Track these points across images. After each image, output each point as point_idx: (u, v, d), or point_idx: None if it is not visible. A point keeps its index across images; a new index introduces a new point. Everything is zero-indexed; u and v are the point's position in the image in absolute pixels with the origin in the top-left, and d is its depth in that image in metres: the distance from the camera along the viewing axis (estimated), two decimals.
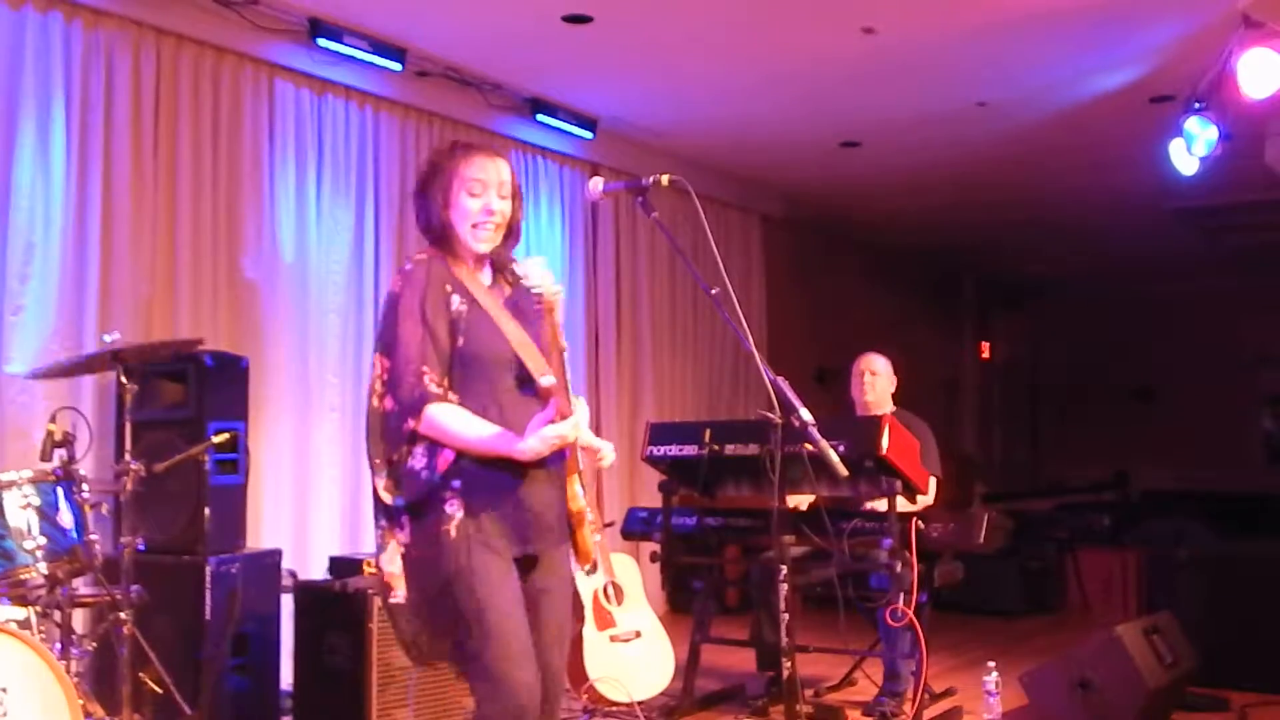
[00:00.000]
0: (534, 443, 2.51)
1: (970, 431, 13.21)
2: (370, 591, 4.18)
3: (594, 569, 4.78)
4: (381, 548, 2.63)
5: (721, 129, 7.47)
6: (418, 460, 2.56)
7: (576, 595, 4.18)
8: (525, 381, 2.62)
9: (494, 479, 2.58)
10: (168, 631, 4.04)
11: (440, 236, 2.73)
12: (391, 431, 2.57)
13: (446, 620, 2.56)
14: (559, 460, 2.64)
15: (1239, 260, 11.60)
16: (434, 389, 2.55)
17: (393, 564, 2.61)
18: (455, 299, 2.63)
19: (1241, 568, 5.54)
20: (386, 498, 2.58)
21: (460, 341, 2.61)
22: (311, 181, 5.75)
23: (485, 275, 2.77)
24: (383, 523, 2.63)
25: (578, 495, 2.68)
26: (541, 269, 2.53)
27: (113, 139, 4.94)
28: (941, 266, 12.51)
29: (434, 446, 2.56)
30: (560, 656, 2.78)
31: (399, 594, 2.60)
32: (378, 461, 2.60)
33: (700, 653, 5.04)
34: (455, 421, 2.55)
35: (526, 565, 2.67)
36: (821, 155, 8.10)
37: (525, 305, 2.71)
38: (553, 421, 2.50)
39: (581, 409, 2.63)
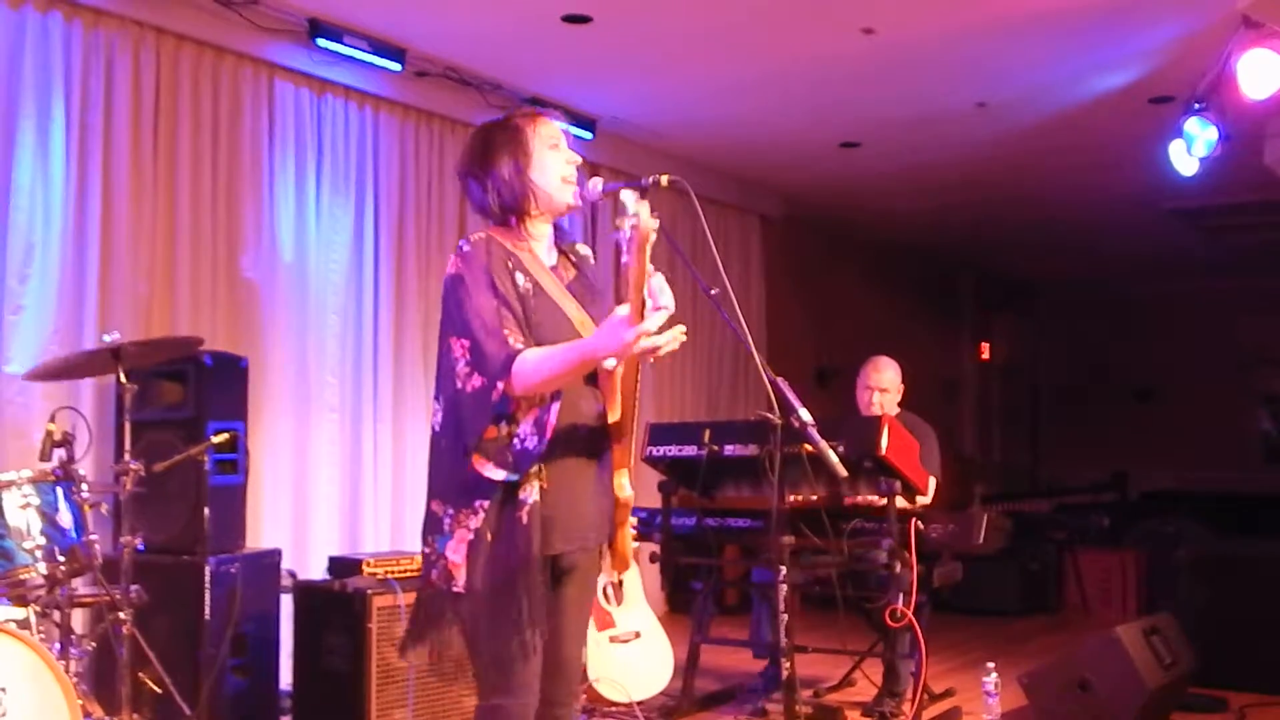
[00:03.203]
0: (615, 336, 2.35)
1: (969, 432, 13.21)
2: (370, 591, 4.19)
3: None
4: (447, 535, 2.55)
5: (721, 129, 7.47)
6: (524, 435, 2.50)
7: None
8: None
9: (574, 463, 2.57)
10: (167, 631, 4.04)
11: (513, 207, 2.65)
12: (484, 407, 2.49)
13: (503, 612, 2.51)
14: (609, 454, 2.63)
15: (1238, 261, 11.60)
16: (519, 346, 2.48)
17: (457, 552, 2.53)
18: (520, 277, 2.58)
19: (1240, 568, 5.54)
20: (495, 474, 2.50)
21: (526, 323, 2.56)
22: (311, 181, 5.75)
23: (548, 255, 2.73)
24: (450, 510, 2.56)
25: (624, 486, 2.64)
26: (636, 199, 2.39)
27: (112, 139, 4.94)
28: (941, 267, 12.51)
29: (542, 417, 2.49)
30: (580, 652, 2.76)
31: (459, 582, 2.53)
32: (472, 440, 2.51)
33: (699, 653, 5.04)
34: (538, 358, 2.46)
35: (557, 560, 2.63)
36: (821, 155, 8.10)
37: (586, 288, 2.71)
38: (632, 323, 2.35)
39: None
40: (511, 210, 2.66)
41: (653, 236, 2.34)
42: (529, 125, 2.70)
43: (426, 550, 2.61)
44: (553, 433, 2.50)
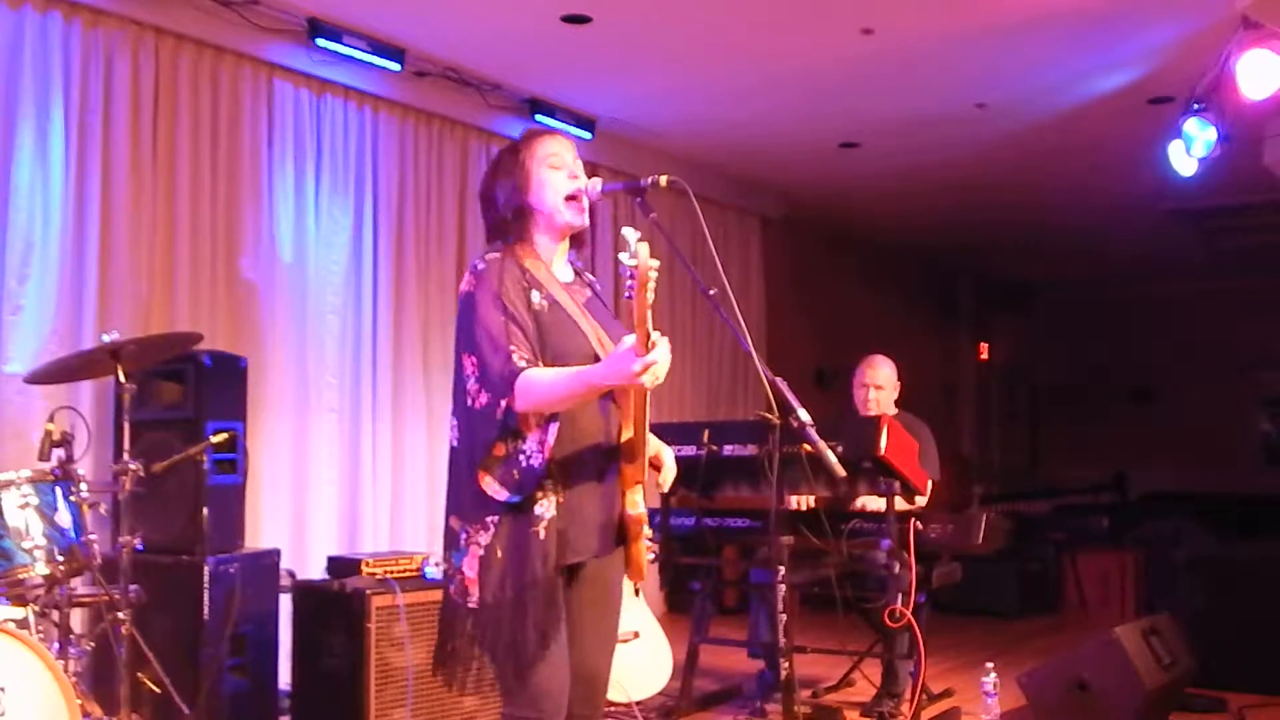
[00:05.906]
0: (621, 366, 2.41)
1: (969, 433, 13.21)
2: (369, 591, 4.18)
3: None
4: (463, 551, 2.56)
5: (720, 130, 7.47)
6: (529, 451, 2.51)
7: None
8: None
9: (581, 475, 2.58)
10: (166, 631, 4.03)
11: (517, 227, 2.68)
12: (490, 423, 2.51)
13: (516, 625, 2.51)
14: (616, 471, 2.64)
15: (1237, 262, 11.60)
16: (523, 364, 2.49)
17: (471, 568, 2.54)
18: (535, 294, 2.60)
19: (1240, 569, 5.55)
20: (499, 494, 2.51)
21: (541, 340, 2.58)
22: (310, 181, 5.75)
23: (564, 272, 2.74)
24: (465, 526, 2.57)
25: (638, 503, 2.65)
26: (637, 239, 2.38)
27: (112, 139, 4.94)
28: (940, 267, 12.51)
29: (542, 437, 2.51)
30: (606, 664, 2.75)
31: (474, 597, 2.54)
32: (479, 457, 2.53)
33: (698, 653, 5.04)
34: (544, 378, 2.48)
35: (574, 569, 2.65)
36: (820, 156, 8.10)
37: (599, 308, 2.72)
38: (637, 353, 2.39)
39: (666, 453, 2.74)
40: (518, 229, 2.69)
41: (653, 275, 2.38)
42: (526, 146, 2.73)
43: (445, 566, 2.64)
44: (551, 451, 2.51)
